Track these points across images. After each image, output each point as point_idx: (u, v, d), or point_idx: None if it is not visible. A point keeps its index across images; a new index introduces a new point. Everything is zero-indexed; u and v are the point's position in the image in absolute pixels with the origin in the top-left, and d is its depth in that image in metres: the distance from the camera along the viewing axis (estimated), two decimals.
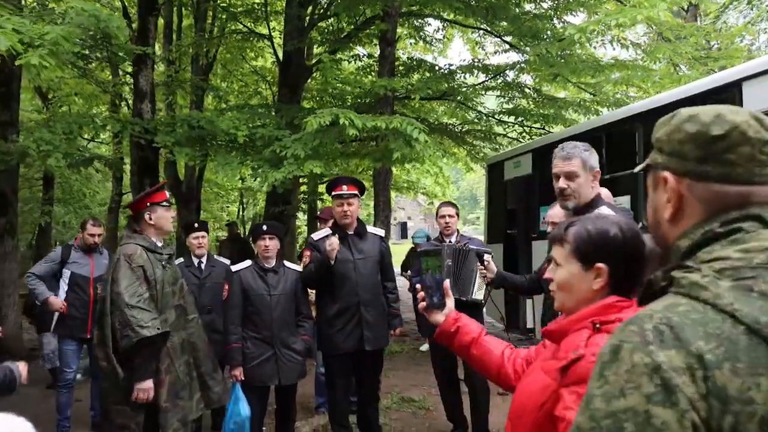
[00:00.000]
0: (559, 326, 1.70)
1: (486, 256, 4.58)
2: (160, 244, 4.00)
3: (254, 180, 8.08)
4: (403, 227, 51.76)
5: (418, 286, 2.26)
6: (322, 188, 10.58)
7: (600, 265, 1.62)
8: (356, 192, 4.74)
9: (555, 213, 4.04)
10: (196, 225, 5.35)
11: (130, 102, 12.32)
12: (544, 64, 10.47)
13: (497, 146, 13.77)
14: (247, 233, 25.83)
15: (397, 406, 6.28)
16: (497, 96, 12.50)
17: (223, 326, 4.69)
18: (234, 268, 4.73)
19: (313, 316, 5.05)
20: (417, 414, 6.13)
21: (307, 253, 4.78)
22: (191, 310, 4.16)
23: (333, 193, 4.74)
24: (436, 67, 11.26)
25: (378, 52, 10.46)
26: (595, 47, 10.92)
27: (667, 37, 12.33)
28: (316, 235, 4.87)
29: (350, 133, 6.93)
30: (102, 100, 13.18)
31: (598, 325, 1.58)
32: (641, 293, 1.09)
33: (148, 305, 3.66)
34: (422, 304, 2.16)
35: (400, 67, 11.26)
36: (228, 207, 25.27)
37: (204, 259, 5.39)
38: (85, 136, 11.65)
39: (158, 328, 3.62)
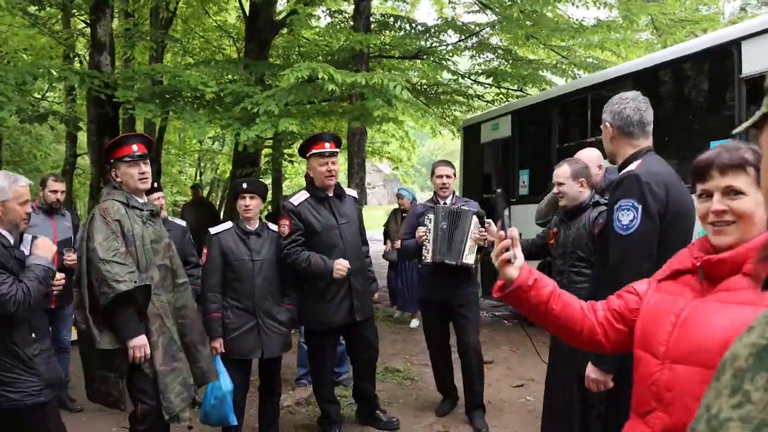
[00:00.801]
0: (736, 254, 1.49)
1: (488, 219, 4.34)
2: (141, 201, 3.65)
3: (225, 137, 7.57)
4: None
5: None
6: (289, 150, 10.10)
7: None
8: (337, 150, 4.39)
9: (562, 172, 3.83)
10: (155, 185, 4.86)
11: (85, 57, 11.61)
12: (515, 25, 10.20)
13: (469, 109, 13.49)
14: (207, 195, 25.39)
15: (381, 376, 6.01)
16: (471, 57, 12.17)
17: (201, 294, 4.31)
18: (213, 230, 4.32)
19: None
20: (403, 384, 5.90)
21: (286, 221, 4.27)
22: (181, 273, 3.78)
23: (313, 151, 4.29)
24: (413, 24, 10.82)
25: (349, 8, 10.01)
26: (570, 5, 10.63)
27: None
28: (294, 200, 4.37)
29: (329, 89, 6.54)
30: (54, 52, 12.33)
31: None
32: None
33: (124, 259, 3.35)
34: (507, 254, 1.75)
35: (373, 25, 10.79)
36: (185, 170, 24.49)
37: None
38: (39, 89, 10.89)
39: (135, 281, 3.31)
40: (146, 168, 3.66)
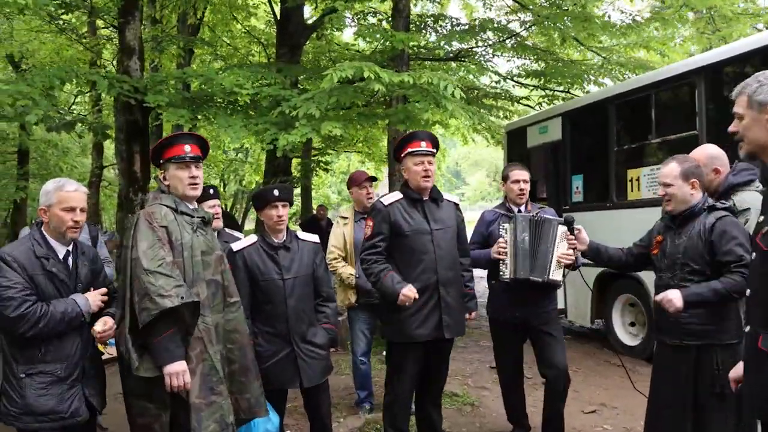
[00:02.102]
0: None
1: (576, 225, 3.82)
2: (192, 206, 3.22)
3: (263, 143, 7.13)
4: None
5: None
6: (324, 158, 9.66)
7: None
8: (434, 150, 3.96)
9: (669, 171, 3.30)
10: (211, 191, 4.31)
11: (113, 64, 11.33)
12: (551, 27, 9.70)
13: (506, 115, 12.96)
14: (230, 207, 25.03)
15: None
16: (508, 60, 11.67)
17: None
18: (235, 246, 3.77)
19: (335, 296, 4.22)
20: (463, 411, 5.35)
21: (370, 223, 3.92)
22: (233, 291, 3.31)
23: (408, 150, 3.91)
24: (453, 22, 10.32)
25: (387, 8, 9.56)
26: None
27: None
28: (386, 199, 3.98)
29: (375, 89, 6.06)
30: (81, 59, 12.07)
31: None
32: None
33: (170, 271, 2.91)
34: None
35: (411, 26, 10.34)
36: (209, 182, 24.23)
37: (215, 234, 4.40)
38: (65, 101, 10.62)
39: (182, 297, 2.86)
40: (198, 172, 3.22)
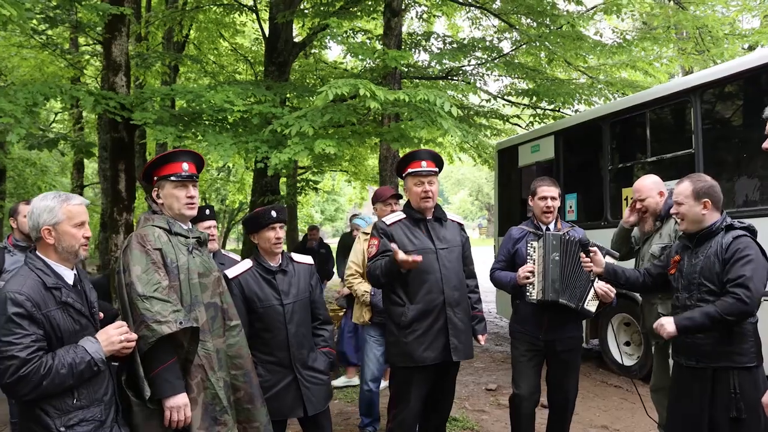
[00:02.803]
0: None
1: (592, 245, 3.69)
2: (186, 227, 3.04)
3: (255, 162, 6.97)
4: None
5: None
6: (315, 177, 9.52)
7: None
8: (436, 169, 3.84)
9: (682, 190, 3.24)
10: (207, 212, 4.14)
11: (97, 81, 11.13)
12: (539, 47, 9.71)
13: (495, 133, 12.95)
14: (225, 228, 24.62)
15: None
16: (497, 78, 11.67)
17: None
18: (230, 273, 3.56)
19: (331, 319, 4.05)
20: None
21: (374, 242, 3.79)
22: (233, 314, 3.15)
23: (409, 170, 3.81)
24: (447, 40, 10.26)
25: (373, 27, 9.50)
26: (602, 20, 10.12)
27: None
28: (388, 219, 3.86)
29: (370, 107, 5.94)
30: (63, 76, 11.84)
31: None
32: None
33: (167, 295, 2.75)
34: None
35: (402, 45, 10.29)
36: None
37: (211, 255, 4.21)
38: (44, 119, 10.34)
39: (181, 322, 2.69)
40: (195, 191, 3.06)
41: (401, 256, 3.47)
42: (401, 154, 10.08)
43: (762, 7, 10.14)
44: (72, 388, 2.42)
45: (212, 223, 4.19)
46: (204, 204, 3.98)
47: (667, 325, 3.08)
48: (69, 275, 2.57)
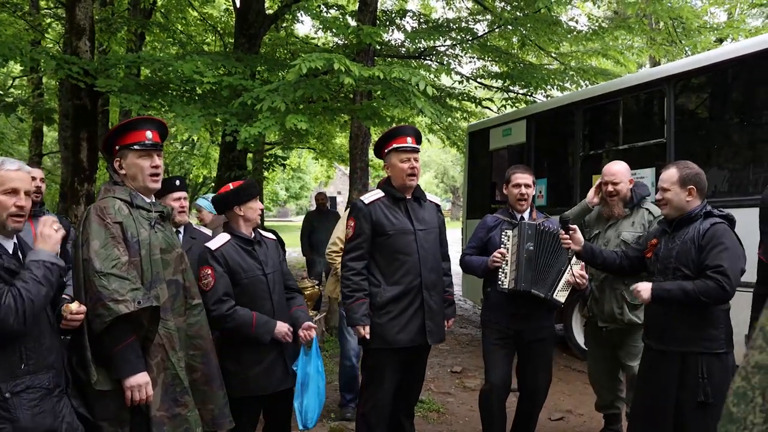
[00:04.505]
0: None
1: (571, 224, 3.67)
2: (148, 200, 2.89)
3: (223, 135, 6.79)
4: (332, 202, 50.18)
5: None
6: (282, 152, 9.35)
7: None
8: (419, 146, 3.75)
9: (668, 176, 3.26)
10: (177, 183, 3.97)
11: (60, 46, 10.74)
12: (513, 31, 9.68)
13: (465, 116, 12.90)
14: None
15: None
16: (470, 60, 11.60)
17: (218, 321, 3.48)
18: (211, 245, 3.43)
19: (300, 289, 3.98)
20: (429, 418, 5.16)
21: (351, 223, 3.68)
22: (195, 293, 3.02)
23: (394, 145, 3.69)
24: (422, 19, 10.12)
25: (345, 2, 9.32)
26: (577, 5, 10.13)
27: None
28: (366, 198, 3.75)
29: (345, 83, 5.81)
30: (23, 39, 11.34)
31: None
32: None
33: (126, 272, 2.60)
34: None
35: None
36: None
37: (182, 229, 4.05)
38: (3, 76, 9.89)
39: (139, 301, 2.56)
40: (160, 161, 2.90)
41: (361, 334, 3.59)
42: (372, 133, 10.03)
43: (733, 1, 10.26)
44: (23, 346, 2.28)
45: (183, 194, 4.04)
46: (174, 175, 3.83)
47: (643, 291, 3.17)
48: (8, 244, 2.37)
